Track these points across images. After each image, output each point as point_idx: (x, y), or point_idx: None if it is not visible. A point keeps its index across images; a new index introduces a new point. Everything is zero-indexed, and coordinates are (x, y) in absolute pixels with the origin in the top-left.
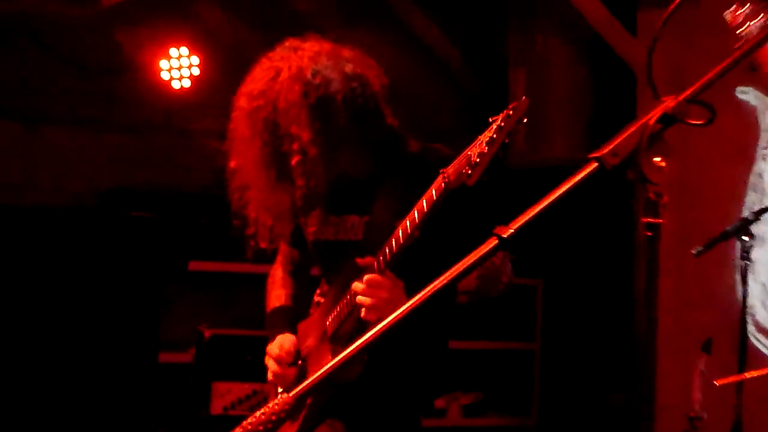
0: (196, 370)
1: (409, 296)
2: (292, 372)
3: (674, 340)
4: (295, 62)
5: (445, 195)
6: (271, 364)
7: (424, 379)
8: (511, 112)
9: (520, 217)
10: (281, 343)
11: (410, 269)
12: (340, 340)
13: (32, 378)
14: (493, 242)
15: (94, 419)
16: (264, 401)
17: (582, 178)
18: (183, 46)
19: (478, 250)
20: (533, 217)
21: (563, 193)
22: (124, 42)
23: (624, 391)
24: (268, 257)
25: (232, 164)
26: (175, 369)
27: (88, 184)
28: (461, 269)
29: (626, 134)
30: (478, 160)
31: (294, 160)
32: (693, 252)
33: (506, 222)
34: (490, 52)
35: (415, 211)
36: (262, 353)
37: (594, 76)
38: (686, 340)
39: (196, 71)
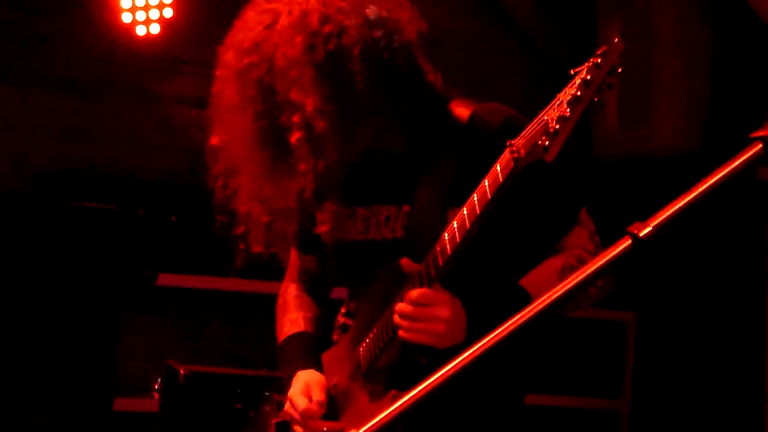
0: (164, 422)
1: (487, 301)
2: (325, 427)
3: None
4: (297, 4)
5: (516, 175)
6: (295, 417)
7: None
8: (599, 61)
9: (660, 212)
10: (307, 386)
11: (464, 278)
12: (378, 376)
13: None
14: (625, 243)
15: None
16: None
17: (743, 164)
18: None
19: (603, 253)
20: (679, 212)
21: (719, 182)
22: None
23: None
24: (264, 269)
25: (215, 140)
26: (135, 419)
27: (15, 162)
28: (571, 284)
29: None
30: (557, 126)
31: (294, 137)
32: None
33: (599, 217)
34: (575, 5)
35: (475, 198)
36: (255, 399)
37: (716, 36)
38: None
39: (168, 13)
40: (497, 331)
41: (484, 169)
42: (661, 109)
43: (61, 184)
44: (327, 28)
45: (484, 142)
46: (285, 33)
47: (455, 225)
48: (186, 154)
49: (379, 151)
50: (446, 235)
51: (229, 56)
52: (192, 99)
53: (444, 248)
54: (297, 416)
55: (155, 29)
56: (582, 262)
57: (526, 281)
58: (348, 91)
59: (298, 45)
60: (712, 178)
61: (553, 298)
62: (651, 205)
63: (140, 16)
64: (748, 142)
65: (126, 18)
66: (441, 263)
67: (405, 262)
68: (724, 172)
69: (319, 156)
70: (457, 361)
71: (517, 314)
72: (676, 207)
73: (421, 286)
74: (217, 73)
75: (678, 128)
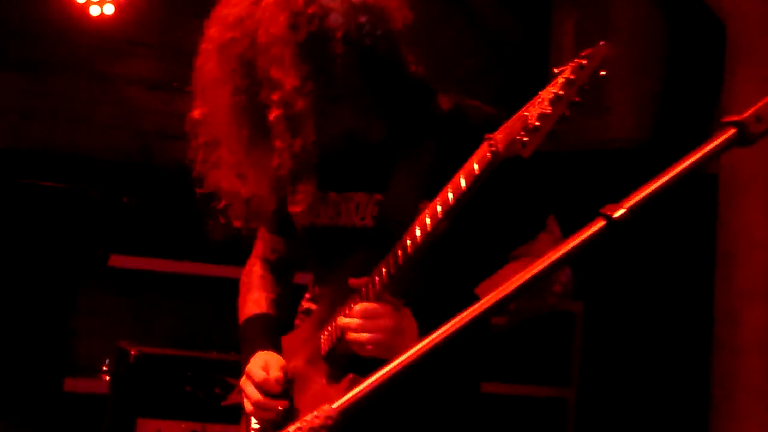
0: (114, 403)
1: (441, 307)
2: (279, 404)
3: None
4: None
5: (492, 169)
6: (251, 391)
7: (448, 427)
8: (585, 62)
9: (634, 194)
10: (266, 363)
11: (436, 270)
12: (337, 360)
13: None
14: (598, 224)
15: None
16: None
17: (717, 147)
18: None
19: (577, 234)
20: (653, 194)
21: (692, 165)
22: None
23: None
24: (220, 252)
25: (197, 113)
26: (86, 400)
27: None
28: (532, 273)
29: None
30: (538, 123)
31: (273, 114)
32: None
33: (560, 207)
34: None
35: (449, 192)
36: (206, 381)
37: (668, 24)
38: None
39: None
40: (459, 319)
41: (460, 164)
42: (615, 101)
43: (13, 163)
44: (311, 9)
45: (462, 138)
46: (269, 10)
47: (427, 216)
48: (139, 135)
49: (357, 138)
50: (416, 228)
51: (213, 30)
52: (145, 80)
53: (405, 248)
54: (254, 392)
55: (109, 10)
56: None
57: (482, 289)
58: (327, 73)
59: (281, 23)
60: (685, 161)
61: (522, 280)
62: (605, 193)
63: None
64: (720, 127)
65: None
66: (394, 270)
67: (352, 282)
68: (696, 156)
69: (296, 134)
70: (414, 350)
71: (481, 301)
72: (650, 189)
73: (371, 293)
74: (201, 46)
75: (631, 119)
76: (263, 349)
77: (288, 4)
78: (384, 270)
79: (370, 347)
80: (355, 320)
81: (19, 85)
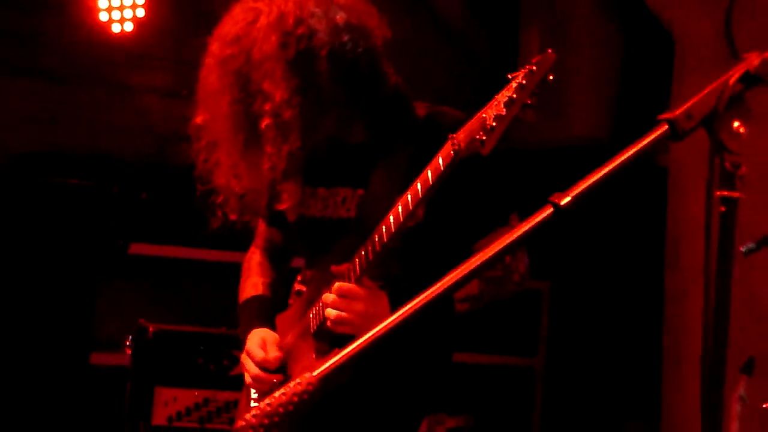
0: (135, 374)
1: (413, 289)
2: (275, 378)
3: None
4: (277, 5)
5: (455, 165)
6: (251, 366)
7: (422, 393)
8: (534, 68)
9: (578, 184)
10: (263, 342)
11: (411, 257)
12: (324, 336)
13: None
14: (547, 211)
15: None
16: (218, 412)
17: (651, 141)
18: None
19: (527, 221)
20: (595, 184)
21: (630, 158)
22: None
23: (643, 419)
24: (224, 240)
25: (199, 120)
26: (109, 372)
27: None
28: (496, 251)
29: (702, 94)
30: (494, 124)
31: (264, 123)
32: (741, 249)
33: (523, 204)
34: (498, 5)
35: (418, 184)
36: (216, 354)
37: (624, 38)
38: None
39: (140, 13)
40: (423, 297)
41: (431, 159)
42: (574, 103)
43: (43, 164)
44: (300, 30)
45: (435, 139)
46: (263, 30)
47: (399, 207)
48: (155, 137)
49: (341, 139)
50: (390, 217)
51: (214, 46)
52: (161, 89)
53: (381, 236)
54: (253, 367)
55: (129, 27)
56: (503, 263)
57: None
58: (313, 87)
59: (273, 42)
60: (623, 154)
61: (478, 263)
62: (566, 188)
63: (115, 15)
64: (655, 123)
65: (103, 17)
66: (372, 255)
67: (334, 269)
68: (634, 150)
69: (285, 141)
70: (383, 324)
71: (443, 280)
72: (592, 179)
73: (352, 277)
74: (206, 59)
75: (590, 120)
76: (258, 327)
77: (279, 25)
78: (363, 255)
79: (342, 326)
80: (332, 296)
81: (48, 94)
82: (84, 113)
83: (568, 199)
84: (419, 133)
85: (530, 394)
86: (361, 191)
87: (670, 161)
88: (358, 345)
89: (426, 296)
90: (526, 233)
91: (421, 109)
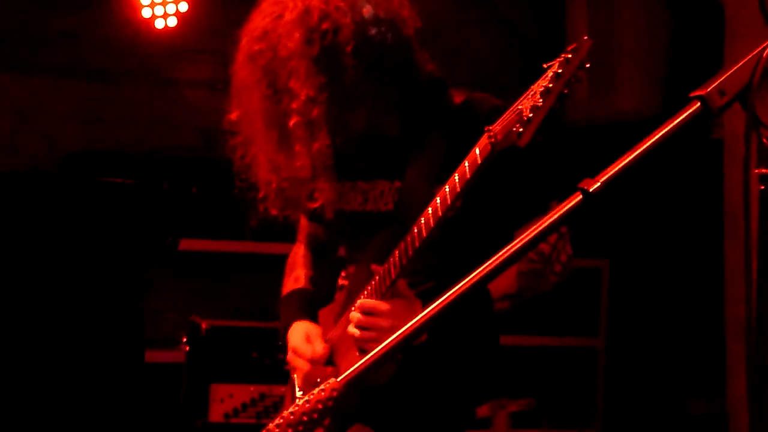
0: (190, 371)
1: (453, 275)
2: (323, 373)
3: None
4: (301, 0)
5: (492, 158)
6: (300, 363)
7: (470, 382)
8: (570, 56)
9: (608, 169)
10: (308, 336)
11: (451, 248)
12: None
13: None
14: (576, 198)
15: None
16: (275, 406)
17: (683, 121)
18: None
19: (558, 208)
20: (625, 168)
21: (661, 139)
22: None
23: (707, 397)
24: (274, 233)
25: (233, 116)
26: (164, 370)
27: (48, 144)
28: (527, 238)
29: (735, 69)
30: (531, 115)
31: (292, 122)
32: None
33: (564, 193)
34: None
35: (456, 177)
36: (270, 348)
37: (672, 12)
38: None
39: (183, 7)
40: (451, 294)
41: (468, 149)
42: (623, 79)
43: (92, 163)
44: (324, 25)
45: (472, 128)
46: (287, 26)
47: (438, 201)
48: (202, 131)
49: (375, 132)
50: (429, 210)
51: (243, 41)
52: (205, 83)
53: (420, 230)
54: (303, 363)
55: (172, 22)
56: (542, 255)
57: None
58: (340, 83)
59: (297, 39)
60: (653, 136)
61: (511, 251)
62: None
63: (158, 11)
64: (686, 102)
65: (146, 13)
66: (415, 246)
67: (373, 267)
68: (664, 131)
69: (313, 139)
70: (409, 325)
71: (476, 271)
72: (623, 163)
73: (391, 274)
74: (236, 55)
75: (639, 95)
76: (299, 320)
77: (303, 21)
78: (402, 250)
79: (369, 345)
80: (357, 315)
81: (94, 93)
82: (130, 110)
83: (597, 185)
84: (455, 123)
85: (592, 375)
86: (398, 183)
87: (725, 134)
88: (385, 346)
89: (453, 293)
90: (554, 222)
91: (458, 97)
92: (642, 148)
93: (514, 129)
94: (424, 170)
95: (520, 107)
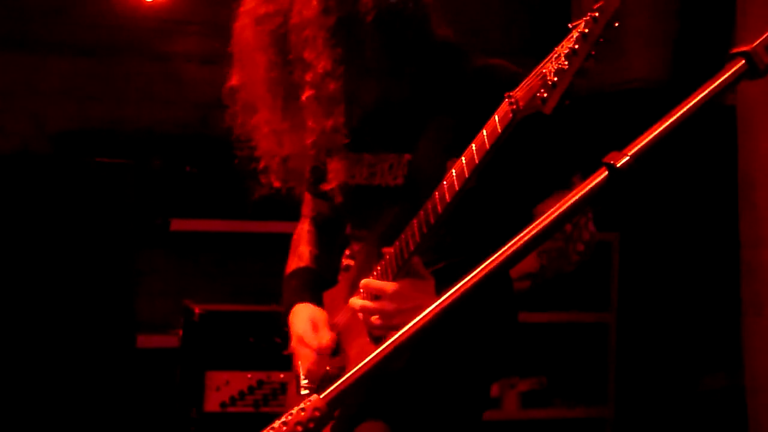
0: (184, 357)
1: (470, 260)
2: (330, 363)
3: None
4: None
5: (513, 126)
6: (306, 353)
7: (487, 365)
8: (597, 15)
9: (638, 140)
10: (314, 324)
11: (466, 225)
12: None
13: None
14: (602, 174)
15: (55, 420)
16: (274, 394)
17: (725, 81)
18: None
19: (581, 185)
20: (658, 138)
21: (700, 103)
22: None
23: (724, 370)
24: (272, 210)
25: (235, 80)
26: (157, 355)
27: (37, 123)
28: (549, 221)
29: None
30: (555, 79)
31: (305, 95)
32: None
33: (587, 167)
34: None
35: (474, 149)
36: (268, 333)
37: None
38: None
39: None
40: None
41: (485, 121)
42: (632, 44)
43: (82, 142)
44: None
45: (488, 95)
46: None
47: (454, 174)
48: (197, 106)
49: (384, 101)
50: (444, 184)
51: (248, 0)
52: (198, 56)
53: (435, 206)
54: (308, 354)
55: None
56: (563, 233)
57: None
58: (358, 56)
59: (313, 7)
60: (690, 101)
61: (531, 234)
62: (625, 134)
63: None
64: (727, 59)
65: None
66: (430, 223)
67: (385, 250)
68: (703, 93)
69: (328, 115)
70: (446, 296)
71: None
72: (654, 134)
73: (404, 255)
74: (239, 14)
75: (649, 60)
76: (302, 302)
77: None
78: (414, 229)
79: (377, 331)
80: (359, 302)
81: (82, 69)
82: (120, 86)
83: (625, 159)
84: (469, 90)
85: (604, 351)
86: (408, 156)
87: (738, 100)
88: (381, 351)
89: (467, 283)
90: (580, 200)
91: (473, 62)
92: (678, 114)
93: (539, 95)
94: (436, 142)
95: (543, 71)
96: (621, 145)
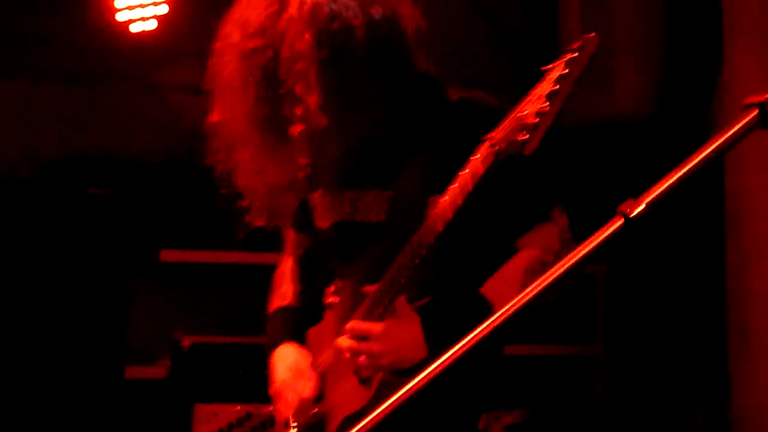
0: (172, 389)
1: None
2: (313, 410)
3: None
4: None
5: (496, 166)
6: (288, 400)
7: (475, 399)
8: (576, 54)
9: (652, 189)
10: (296, 368)
11: (449, 260)
12: None
13: None
14: (617, 223)
15: None
16: (262, 426)
17: (739, 131)
18: None
19: (596, 234)
20: (672, 186)
21: (715, 152)
22: None
23: (711, 404)
24: (260, 242)
25: (215, 117)
26: (146, 386)
27: (25, 151)
28: (564, 268)
29: None
30: (537, 120)
31: (296, 130)
32: None
33: (567, 197)
34: None
35: (458, 189)
36: (256, 365)
37: (668, 7)
38: None
39: (162, 10)
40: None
41: (464, 157)
42: (618, 77)
43: (71, 171)
44: (335, 26)
45: (462, 133)
46: (294, 25)
47: (437, 213)
48: (185, 136)
49: (367, 136)
50: (427, 226)
51: (233, 35)
52: (187, 85)
53: (420, 246)
54: (289, 403)
55: (151, 25)
56: (544, 265)
57: (488, 289)
58: (349, 88)
59: (306, 40)
60: (702, 152)
61: (542, 285)
62: (613, 167)
63: (136, 14)
64: (742, 109)
65: (122, 16)
66: (415, 263)
67: (365, 290)
68: (718, 143)
69: (321, 151)
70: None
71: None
72: (667, 183)
73: (387, 298)
74: (218, 46)
75: (634, 93)
76: (285, 342)
77: (313, 21)
78: (399, 267)
79: (365, 371)
80: (347, 341)
81: (69, 97)
82: (110, 115)
83: (641, 207)
84: (446, 127)
85: (590, 384)
86: (389, 193)
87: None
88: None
89: (479, 332)
90: (595, 249)
91: (449, 98)
92: (691, 165)
93: (519, 136)
94: (416, 178)
95: (523, 113)
96: (607, 178)
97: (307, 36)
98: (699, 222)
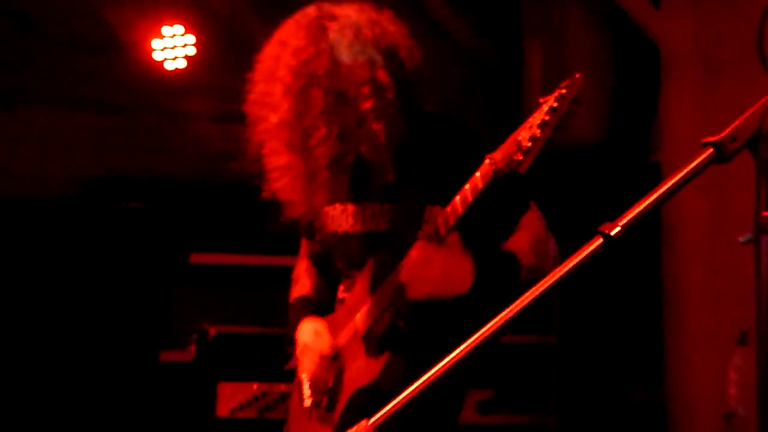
0: (199, 371)
1: None
2: (329, 372)
3: (707, 333)
4: (350, 25)
5: (493, 183)
6: (310, 358)
7: (468, 375)
8: (564, 91)
9: (626, 213)
10: (315, 331)
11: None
12: (371, 340)
13: (20, 383)
14: (597, 242)
15: (90, 423)
16: (275, 402)
17: (698, 166)
18: (177, 24)
19: (578, 251)
20: (643, 212)
21: (678, 183)
22: (113, 19)
23: (648, 388)
24: (278, 246)
25: (253, 133)
26: (177, 368)
27: (72, 171)
28: (553, 279)
29: (745, 116)
30: (530, 145)
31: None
32: (741, 240)
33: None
34: (503, 25)
35: (458, 202)
36: (271, 352)
37: (615, 51)
38: (720, 334)
39: (191, 51)
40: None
41: (453, 169)
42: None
43: (111, 189)
44: (384, 44)
45: (456, 152)
46: (339, 50)
47: (438, 222)
48: (206, 158)
49: (365, 156)
50: (431, 229)
51: (282, 70)
52: (210, 115)
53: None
54: (312, 357)
55: (181, 63)
56: (539, 237)
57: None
58: (387, 108)
59: (362, 62)
60: (670, 180)
61: (529, 299)
62: (565, 191)
63: (169, 54)
64: (699, 147)
65: (157, 56)
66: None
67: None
68: (681, 174)
69: (390, 124)
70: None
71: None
72: (641, 207)
73: (385, 302)
74: (274, 76)
75: (588, 124)
76: (307, 318)
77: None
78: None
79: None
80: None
81: (105, 124)
82: (141, 140)
83: (618, 229)
84: (442, 145)
85: (546, 368)
86: (388, 205)
87: (662, 156)
88: (412, 390)
89: (480, 335)
90: (576, 266)
91: (443, 122)
92: (659, 193)
93: (515, 158)
94: (413, 192)
95: (519, 138)
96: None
97: (362, 59)
98: (639, 230)
